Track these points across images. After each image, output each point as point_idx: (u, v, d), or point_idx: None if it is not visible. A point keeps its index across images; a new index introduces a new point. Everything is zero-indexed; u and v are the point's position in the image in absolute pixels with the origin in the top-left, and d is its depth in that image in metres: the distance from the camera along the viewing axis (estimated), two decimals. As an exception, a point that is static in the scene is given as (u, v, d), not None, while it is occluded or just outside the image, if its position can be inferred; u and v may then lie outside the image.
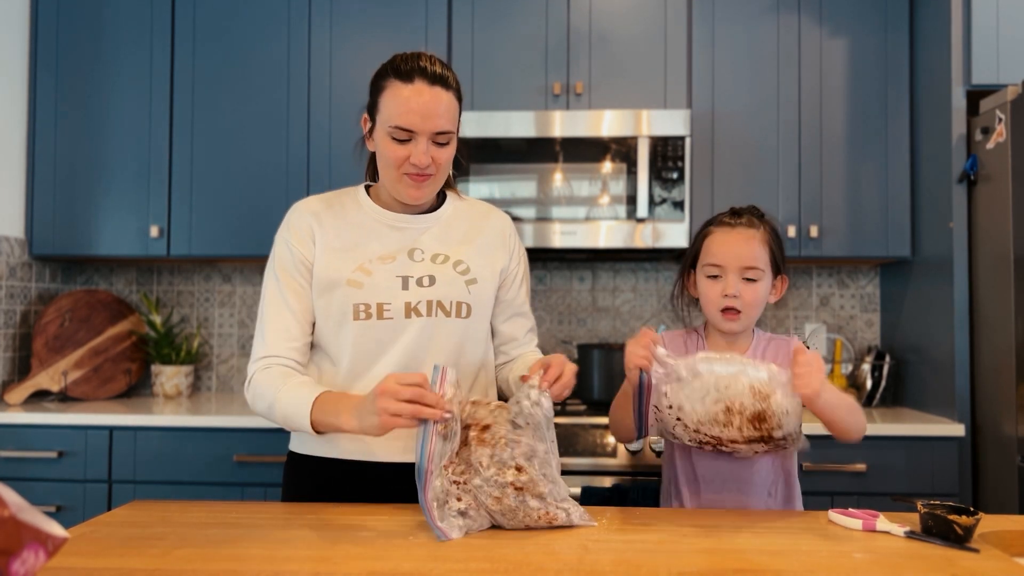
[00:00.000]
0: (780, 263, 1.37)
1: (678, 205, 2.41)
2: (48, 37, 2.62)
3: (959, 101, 2.23)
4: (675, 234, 2.41)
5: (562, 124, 2.43)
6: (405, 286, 1.32)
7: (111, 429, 2.23)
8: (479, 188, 2.45)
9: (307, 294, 1.35)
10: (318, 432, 1.23)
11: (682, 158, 2.41)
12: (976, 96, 2.24)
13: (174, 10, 2.59)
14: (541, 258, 2.80)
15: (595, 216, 2.42)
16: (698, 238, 1.41)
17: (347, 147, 2.54)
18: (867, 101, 2.49)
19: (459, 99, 1.34)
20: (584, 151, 2.43)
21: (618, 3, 2.53)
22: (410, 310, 1.31)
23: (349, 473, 1.33)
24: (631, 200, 2.41)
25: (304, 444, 1.38)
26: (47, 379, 2.53)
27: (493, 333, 1.47)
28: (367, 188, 1.44)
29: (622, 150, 2.42)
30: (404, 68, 1.28)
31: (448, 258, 1.37)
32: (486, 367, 1.44)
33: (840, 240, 2.47)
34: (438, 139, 1.29)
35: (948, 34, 2.25)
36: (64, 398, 2.56)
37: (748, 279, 1.32)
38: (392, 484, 1.31)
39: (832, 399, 1.22)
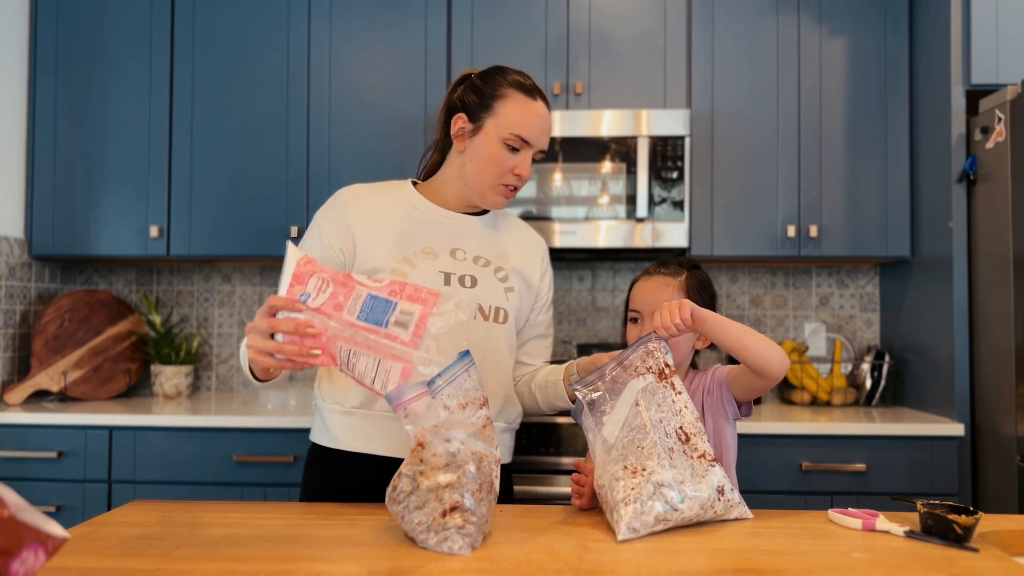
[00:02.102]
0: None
1: (678, 205, 2.41)
2: (48, 37, 2.62)
3: (958, 101, 2.23)
4: (675, 234, 2.41)
5: (562, 124, 2.43)
6: (447, 282, 1.33)
7: (111, 429, 2.23)
8: (479, 188, 2.45)
9: None
10: (260, 379, 1.24)
11: (682, 158, 2.41)
12: (975, 96, 2.24)
13: (174, 10, 2.59)
14: (541, 258, 2.79)
15: (595, 216, 2.42)
16: (629, 289, 1.49)
17: (347, 146, 2.54)
18: (867, 101, 2.49)
19: None
20: (584, 151, 2.43)
21: (618, 3, 2.53)
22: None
23: (371, 468, 1.32)
24: (631, 200, 2.41)
25: (326, 437, 1.38)
26: (47, 379, 2.53)
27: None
28: (414, 183, 1.47)
29: (622, 150, 2.42)
30: (527, 84, 1.38)
31: (489, 263, 1.39)
32: (509, 378, 1.44)
33: (839, 240, 2.48)
34: (537, 156, 1.39)
35: (947, 34, 2.25)
36: (64, 398, 2.56)
37: None
38: None
39: (725, 325, 1.22)
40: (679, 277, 1.41)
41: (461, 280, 1.34)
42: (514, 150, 1.35)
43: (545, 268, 1.52)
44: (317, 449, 1.40)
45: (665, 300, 1.35)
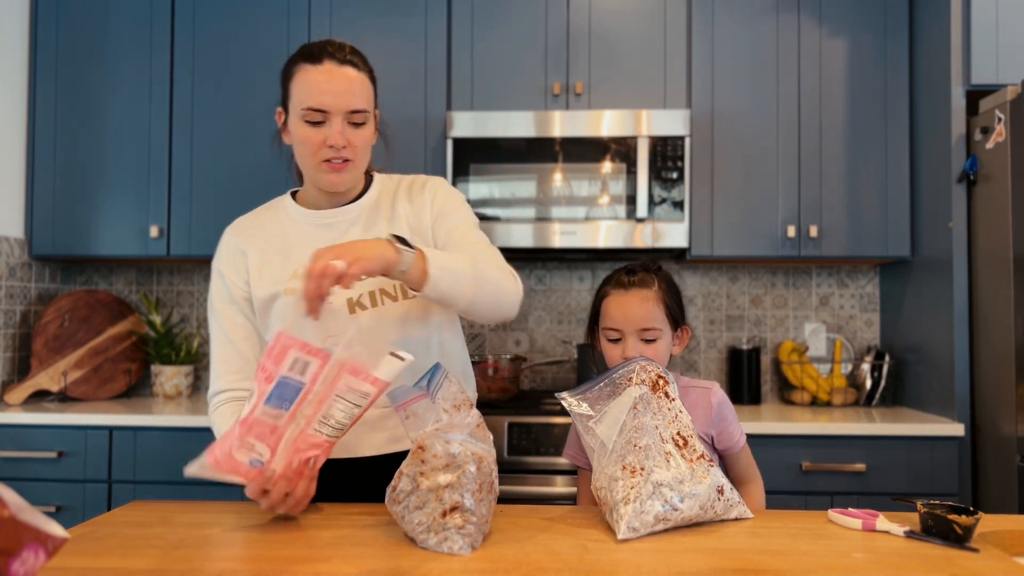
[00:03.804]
0: (678, 317, 1.37)
1: (678, 205, 2.41)
2: (48, 37, 2.62)
3: (959, 101, 2.23)
4: (675, 234, 2.41)
5: (562, 124, 2.43)
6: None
7: (111, 429, 2.23)
8: (479, 188, 2.45)
9: (245, 320, 1.33)
10: None
11: (682, 158, 2.41)
12: (976, 96, 2.24)
13: (174, 10, 2.59)
14: (541, 258, 2.80)
15: (595, 216, 2.42)
16: (597, 298, 1.41)
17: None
18: (867, 101, 2.49)
19: (373, 81, 1.32)
20: (584, 151, 2.43)
21: (618, 3, 2.53)
22: (353, 305, 1.29)
23: (332, 471, 1.31)
24: (631, 200, 2.41)
25: None
26: (47, 379, 2.53)
27: None
28: (295, 193, 1.42)
29: (622, 150, 2.42)
30: (313, 51, 1.27)
31: None
32: (453, 339, 1.41)
33: (840, 240, 2.48)
34: (353, 118, 1.27)
35: (947, 34, 2.25)
36: (64, 398, 2.56)
37: (646, 340, 1.32)
38: (378, 477, 1.30)
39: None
40: (653, 287, 1.35)
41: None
42: (317, 123, 1.25)
43: (432, 193, 1.39)
44: None
45: (645, 315, 1.31)
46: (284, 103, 1.32)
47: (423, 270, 1.12)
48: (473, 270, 1.18)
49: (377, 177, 1.43)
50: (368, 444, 1.32)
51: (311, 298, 1.04)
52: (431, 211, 1.37)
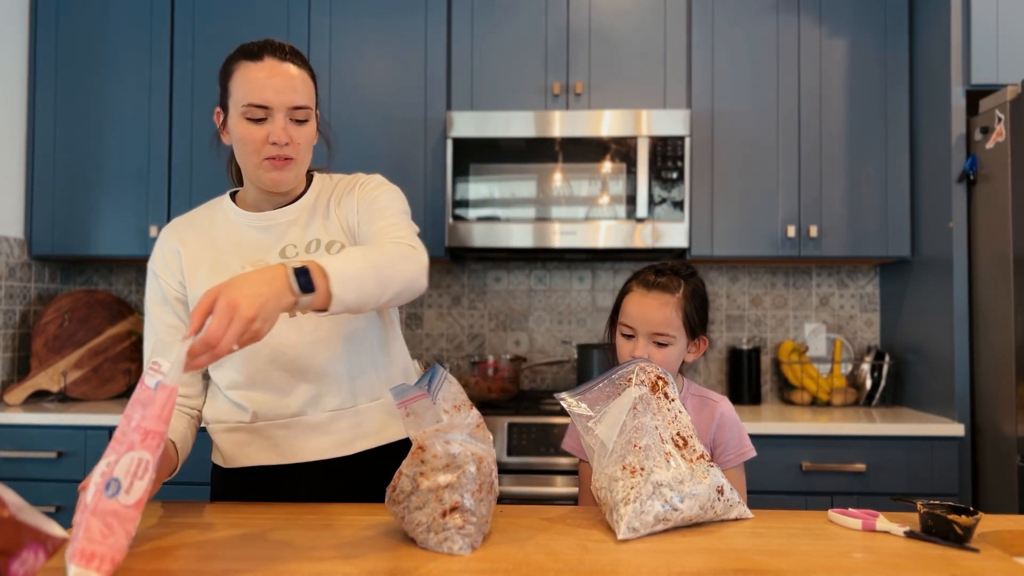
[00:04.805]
0: (697, 327, 1.35)
1: (678, 205, 2.41)
2: (48, 37, 2.62)
3: (959, 101, 2.23)
4: (675, 234, 2.41)
5: (562, 124, 2.43)
6: None
7: (111, 429, 2.23)
8: (479, 188, 2.45)
9: (178, 321, 1.31)
10: None
11: (682, 158, 2.41)
12: (976, 96, 2.24)
13: (173, 11, 2.59)
14: (541, 258, 2.80)
15: (595, 216, 2.42)
16: (621, 291, 1.40)
17: (347, 147, 2.53)
18: (867, 101, 2.49)
19: (313, 79, 1.31)
20: (584, 151, 2.43)
21: (618, 3, 2.53)
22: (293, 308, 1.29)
23: (274, 476, 1.30)
24: (631, 200, 2.41)
25: (218, 457, 1.35)
26: (47, 379, 2.52)
27: None
28: (234, 194, 1.40)
29: (622, 150, 2.42)
30: (252, 49, 1.25)
31: (320, 242, 1.32)
32: (394, 339, 1.41)
33: (840, 240, 2.48)
34: (295, 115, 1.25)
35: (947, 34, 2.25)
36: (64, 398, 2.56)
37: (658, 343, 1.32)
38: (322, 483, 1.30)
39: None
40: (676, 293, 1.33)
41: None
42: (259, 120, 1.23)
43: (360, 196, 1.35)
44: (216, 469, 1.38)
45: (661, 320, 1.30)
46: (223, 102, 1.29)
47: (326, 292, 1.03)
48: (374, 269, 1.11)
49: (317, 177, 1.42)
50: (315, 448, 1.30)
51: (205, 364, 0.96)
52: (357, 211, 1.35)
